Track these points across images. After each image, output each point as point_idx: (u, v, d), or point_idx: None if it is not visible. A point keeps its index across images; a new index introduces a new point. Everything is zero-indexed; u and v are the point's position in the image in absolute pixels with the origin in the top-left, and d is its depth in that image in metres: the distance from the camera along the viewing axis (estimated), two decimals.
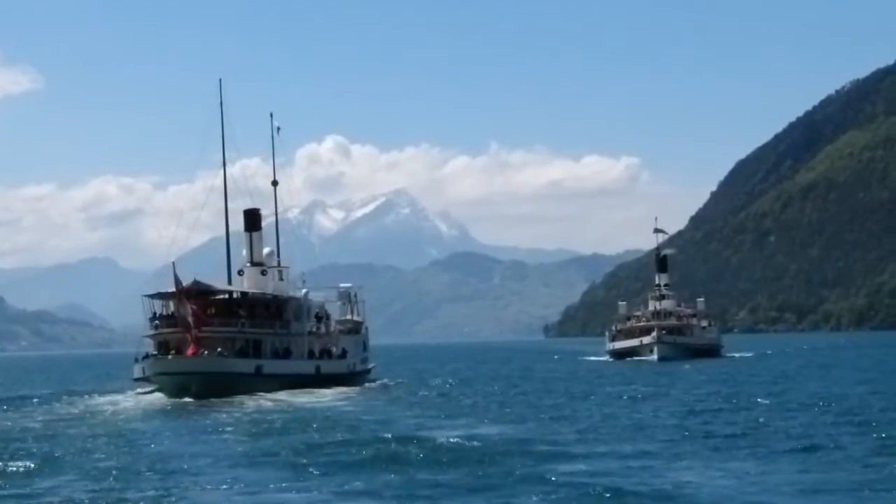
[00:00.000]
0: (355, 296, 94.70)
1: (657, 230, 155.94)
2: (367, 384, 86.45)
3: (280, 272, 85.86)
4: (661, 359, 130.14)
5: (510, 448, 39.73)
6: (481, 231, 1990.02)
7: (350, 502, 30.43)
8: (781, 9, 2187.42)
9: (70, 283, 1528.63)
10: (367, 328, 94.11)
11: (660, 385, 79.27)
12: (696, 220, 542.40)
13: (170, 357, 75.02)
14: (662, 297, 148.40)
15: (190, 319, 73.89)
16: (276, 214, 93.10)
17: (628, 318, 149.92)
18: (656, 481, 31.50)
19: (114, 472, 36.47)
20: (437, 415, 56.32)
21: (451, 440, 42.24)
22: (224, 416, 59.25)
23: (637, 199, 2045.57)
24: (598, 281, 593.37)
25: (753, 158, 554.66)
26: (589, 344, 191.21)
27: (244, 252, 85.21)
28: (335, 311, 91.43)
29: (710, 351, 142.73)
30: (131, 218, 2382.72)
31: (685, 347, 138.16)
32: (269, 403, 66.39)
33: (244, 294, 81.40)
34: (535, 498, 29.59)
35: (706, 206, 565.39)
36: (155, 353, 77.73)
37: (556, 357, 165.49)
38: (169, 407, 67.68)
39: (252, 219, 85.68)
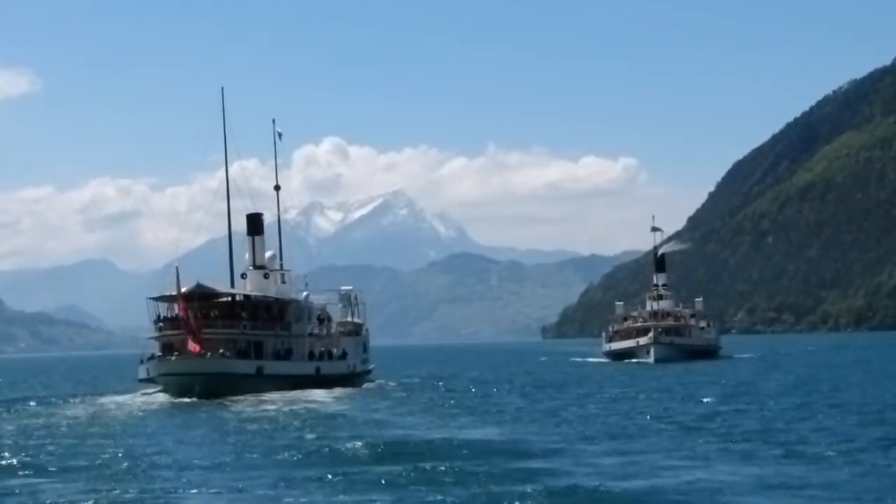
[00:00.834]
0: (356, 298, 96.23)
1: (654, 228, 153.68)
2: (366, 385, 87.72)
3: (282, 275, 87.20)
4: (657, 360, 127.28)
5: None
6: (479, 232, 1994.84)
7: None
8: (778, 10, 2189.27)
9: (68, 284, 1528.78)
10: (367, 330, 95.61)
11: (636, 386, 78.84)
12: (694, 221, 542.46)
13: (173, 358, 76.39)
14: (660, 298, 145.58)
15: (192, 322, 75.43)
16: (279, 219, 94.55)
17: (625, 319, 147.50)
18: None
19: (106, 471, 36.86)
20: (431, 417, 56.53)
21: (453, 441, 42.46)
22: (223, 415, 60.28)
23: (635, 200, 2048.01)
24: (595, 282, 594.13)
25: (751, 159, 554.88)
26: (586, 345, 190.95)
27: (247, 255, 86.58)
28: (336, 313, 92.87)
29: (709, 352, 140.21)
30: (129, 220, 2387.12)
31: (683, 348, 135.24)
32: (267, 404, 67.07)
33: (247, 297, 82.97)
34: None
35: (704, 206, 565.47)
36: (160, 354, 79.28)
37: (542, 359, 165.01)
38: (169, 407, 68.69)
39: (254, 223, 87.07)
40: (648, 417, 52.46)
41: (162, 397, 75.40)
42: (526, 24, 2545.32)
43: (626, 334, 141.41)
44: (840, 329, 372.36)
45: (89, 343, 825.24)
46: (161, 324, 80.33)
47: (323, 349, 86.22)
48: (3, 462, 40.21)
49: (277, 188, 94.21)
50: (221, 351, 76.66)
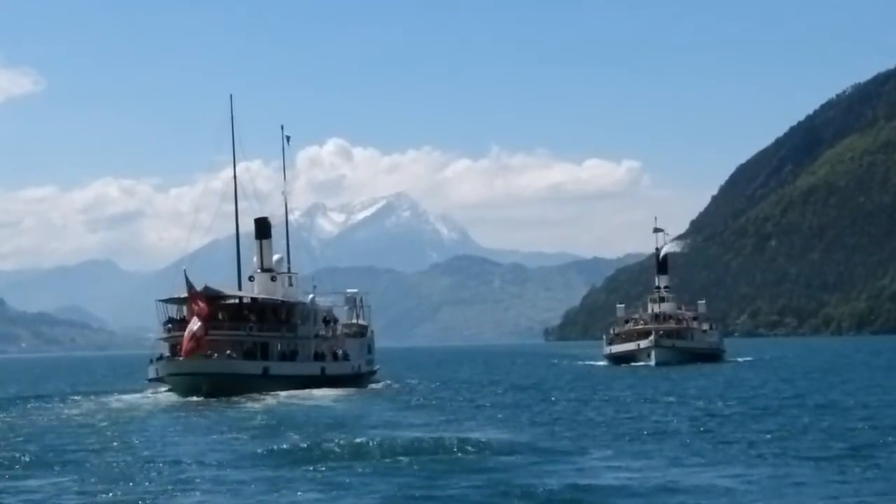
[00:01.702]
0: (361, 301, 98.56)
1: (657, 230, 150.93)
2: (371, 385, 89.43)
3: (289, 278, 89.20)
4: (658, 363, 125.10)
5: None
6: (482, 234, 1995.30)
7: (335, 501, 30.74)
8: (782, 13, 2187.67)
9: (70, 285, 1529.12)
10: (372, 332, 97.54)
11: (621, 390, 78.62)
12: (697, 224, 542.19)
13: (181, 359, 77.61)
14: (662, 300, 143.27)
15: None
16: (287, 223, 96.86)
17: (626, 321, 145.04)
18: None
19: (108, 470, 37.33)
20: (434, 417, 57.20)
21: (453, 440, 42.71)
22: (224, 414, 61.34)
23: (638, 203, 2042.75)
24: (598, 284, 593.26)
25: (754, 162, 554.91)
26: (589, 348, 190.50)
27: (255, 259, 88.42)
28: (342, 315, 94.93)
29: (712, 356, 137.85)
30: (131, 220, 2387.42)
31: (684, 352, 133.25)
32: (271, 403, 68.74)
33: (254, 299, 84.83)
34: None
35: (707, 210, 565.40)
36: (168, 355, 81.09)
37: (518, 361, 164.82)
38: (174, 406, 69.80)
39: (262, 227, 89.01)
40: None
41: (168, 396, 76.99)
42: (530, 26, 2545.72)
43: (627, 337, 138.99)
44: (842, 333, 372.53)
45: (91, 343, 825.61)
46: (170, 325, 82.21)
47: (328, 350, 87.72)
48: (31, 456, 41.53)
49: (285, 193, 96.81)
50: (228, 352, 78.64)
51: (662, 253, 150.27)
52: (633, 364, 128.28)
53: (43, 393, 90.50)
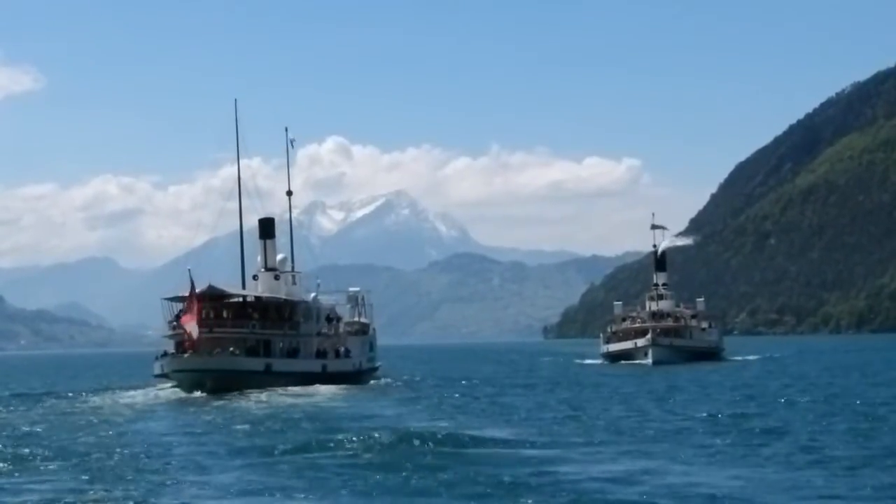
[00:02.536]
0: (363, 299, 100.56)
1: (655, 226, 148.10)
2: (372, 382, 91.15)
3: (293, 277, 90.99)
4: (655, 362, 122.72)
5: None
6: (481, 232, 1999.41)
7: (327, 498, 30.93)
8: (782, 12, 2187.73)
9: (69, 282, 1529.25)
10: (374, 329, 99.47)
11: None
12: (696, 223, 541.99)
13: (185, 356, 79.37)
14: (660, 297, 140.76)
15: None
16: (291, 223, 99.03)
17: (623, 319, 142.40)
18: None
19: (102, 467, 37.69)
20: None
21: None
22: (221, 411, 62.37)
23: (638, 201, 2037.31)
24: (597, 283, 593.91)
25: (753, 161, 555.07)
26: (588, 346, 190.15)
27: (259, 258, 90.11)
28: (344, 313, 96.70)
29: (711, 354, 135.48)
30: (131, 217, 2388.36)
31: (683, 350, 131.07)
32: (275, 399, 70.10)
33: (257, 298, 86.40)
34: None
35: (706, 208, 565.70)
36: (173, 352, 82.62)
37: (512, 358, 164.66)
38: (175, 402, 71.60)
39: (266, 227, 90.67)
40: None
41: (172, 392, 78.55)
42: (530, 24, 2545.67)
43: (625, 335, 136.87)
44: (841, 331, 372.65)
45: (90, 341, 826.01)
46: (175, 323, 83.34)
47: (330, 347, 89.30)
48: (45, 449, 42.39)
49: (290, 193, 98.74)
50: (231, 349, 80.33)
51: (661, 249, 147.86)
52: (630, 363, 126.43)
53: (54, 390, 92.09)
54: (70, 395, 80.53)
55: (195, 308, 77.92)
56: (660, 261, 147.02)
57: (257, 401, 68.77)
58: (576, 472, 33.74)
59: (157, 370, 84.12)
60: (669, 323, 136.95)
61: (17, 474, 36.12)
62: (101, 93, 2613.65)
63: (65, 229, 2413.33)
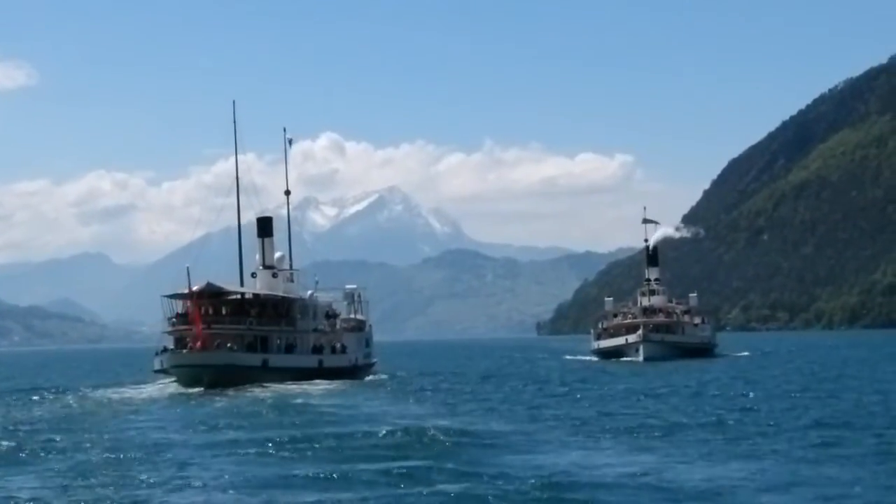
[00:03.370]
0: (359, 296, 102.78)
1: (646, 220, 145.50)
2: (368, 377, 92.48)
3: (290, 275, 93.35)
4: (647, 359, 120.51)
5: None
6: (474, 228, 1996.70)
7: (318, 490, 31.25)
8: (774, 8, 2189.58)
9: (62, 278, 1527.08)
10: (370, 326, 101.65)
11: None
12: (689, 219, 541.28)
13: (184, 351, 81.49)
14: (652, 293, 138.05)
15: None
16: (289, 222, 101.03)
17: (615, 315, 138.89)
18: None
19: (99, 460, 38.37)
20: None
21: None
22: (217, 405, 63.59)
23: (631, 197, 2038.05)
24: (590, 278, 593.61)
25: (746, 157, 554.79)
26: (581, 342, 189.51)
27: (257, 256, 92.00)
28: (341, 310, 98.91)
29: (703, 350, 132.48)
30: (124, 213, 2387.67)
31: (674, 346, 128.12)
32: (267, 393, 71.76)
33: (255, 295, 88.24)
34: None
35: (699, 204, 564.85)
36: (172, 347, 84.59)
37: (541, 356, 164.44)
38: (177, 396, 73.39)
39: (265, 225, 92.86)
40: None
41: (171, 387, 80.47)
42: (523, 20, 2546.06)
43: (616, 331, 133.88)
44: (834, 327, 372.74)
45: (83, 337, 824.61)
46: (174, 319, 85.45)
47: (327, 344, 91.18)
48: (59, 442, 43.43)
49: (288, 193, 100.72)
50: (229, 345, 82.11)
51: (653, 241, 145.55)
52: (621, 359, 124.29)
53: (60, 384, 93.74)
54: (79, 390, 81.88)
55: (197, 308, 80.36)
56: (652, 256, 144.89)
57: (252, 395, 70.04)
58: (560, 466, 34.01)
59: (157, 365, 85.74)
60: (661, 319, 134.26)
61: (8, 470, 36.37)
62: (95, 88, 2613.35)
63: (58, 225, 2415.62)
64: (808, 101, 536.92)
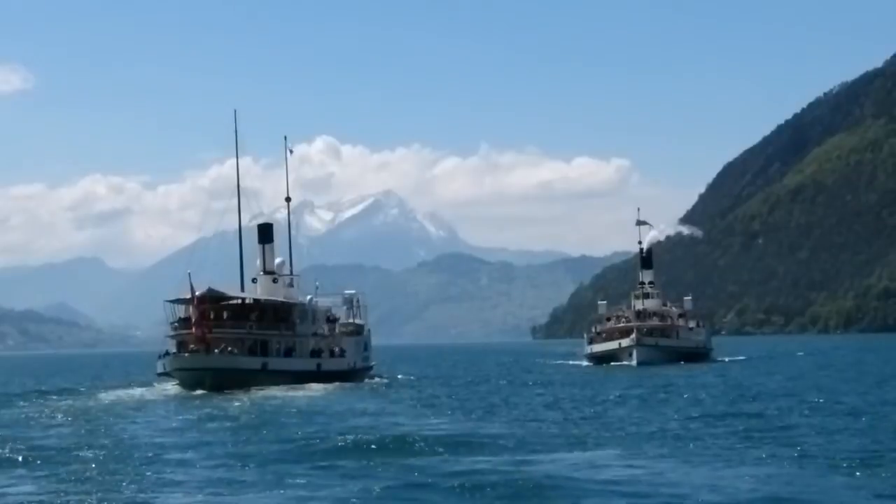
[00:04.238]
0: (357, 301, 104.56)
1: (640, 222, 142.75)
2: (367, 380, 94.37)
3: (290, 280, 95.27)
4: (640, 363, 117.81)
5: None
6: (470, 232, 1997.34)
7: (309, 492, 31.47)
8: (770, 12, 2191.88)
9: (58, 282, 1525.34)
10: (369, 330, 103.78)
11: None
12: (684, 222, 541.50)
13: (186, 355, 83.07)
14: (646, 296, 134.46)
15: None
16: (290, 228, 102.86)
17: (608, 319, 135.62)
18: None
19: (85, 466, 38.24)
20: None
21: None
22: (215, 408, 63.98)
23: (627, 202, 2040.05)
24: (586, 283, 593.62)
25: (742, 161, 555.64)
26: (578, 346, 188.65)
27: (258, 261, 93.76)
28: (340, 314, 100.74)
29: (698, 355, 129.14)
30: (119, 217, 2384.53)
31: (669, 351, 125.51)
32: (265, 396, 72.86)
33: (256, 300, 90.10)
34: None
35: (694, 208, 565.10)
36: (174, 351, 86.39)
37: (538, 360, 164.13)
38: (179, 398, 74.94)
39: (265, 232, 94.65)
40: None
41: (174, 389, 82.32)
42: (520, 24, 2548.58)
43: (609, 335, 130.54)
44: (829, 331, 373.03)
45: (78, 341, 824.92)
46: (176, 324, 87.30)
47: (326, 347, 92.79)
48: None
49: (288, 200, 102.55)
50: (230, 348, 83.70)
51: (646, 243, 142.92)
52: (614, 364, 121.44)
53: (66, 387, 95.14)
54: (81, 391, 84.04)
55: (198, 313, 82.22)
56: (645, 258, 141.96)
57: (249, 398, 71.15)
58: (562, 474, 33.65)
59: (159, 368, 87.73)
60: (655, 322, 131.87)
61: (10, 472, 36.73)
62: (90, 92, 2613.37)
63: (53, 229, 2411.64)
64: (804, 104, 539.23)
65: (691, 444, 40.36)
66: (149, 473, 34.94)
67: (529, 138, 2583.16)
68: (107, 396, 76.19)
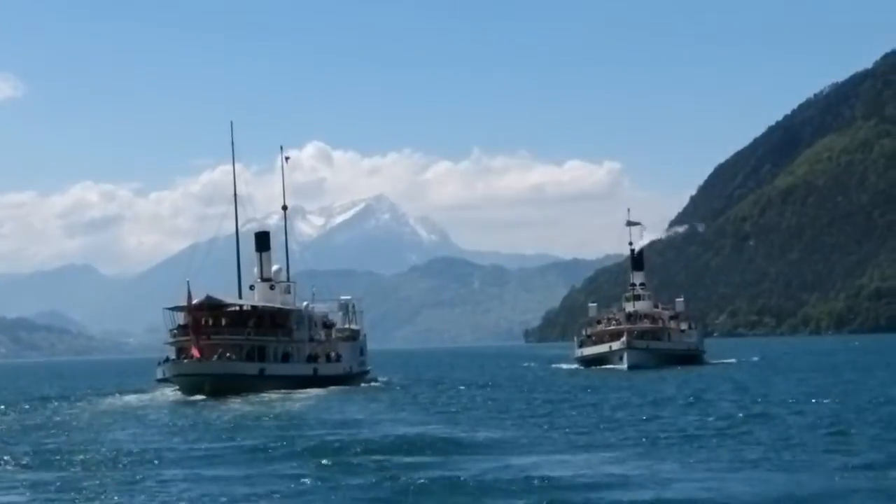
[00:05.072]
0: (353, 307, 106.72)
1: (630, 223, 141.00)
2: (362, 384, 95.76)
3: (287, 287, 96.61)
4: (631, 367, 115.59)
5: None
6: (461, 236, 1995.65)
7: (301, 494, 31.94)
8: (760, 13, 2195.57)
9: (50, 289, 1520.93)
10: (364, 335, 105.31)
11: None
12: (676, 225, 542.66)
13: (186, 361, 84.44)
14: (637, 298, 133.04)
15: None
16: (286, 236, 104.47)
17: (599, 322, 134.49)
18: None
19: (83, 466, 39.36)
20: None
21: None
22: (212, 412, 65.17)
23: (619, 205, 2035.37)
24: (578, 286, 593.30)
25: (733, 163, 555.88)
26: (570, 349, 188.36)
27: (255, 269, 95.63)
28: (337, 320, 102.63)
29: (690, 357, 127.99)
30: (111, 224, 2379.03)
31: (660, 354, 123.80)
32: (262, 401, 73.90)
33: (253, 307, 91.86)
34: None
35: (686, 210, 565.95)
36: (174, 357, 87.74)
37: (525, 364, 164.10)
38: (177, 404, 76.05)
39: (262, 240, 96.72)
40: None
41: (173, 394, 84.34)
42: (511, 29, 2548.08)
43: (599, 338, 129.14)
44: (821, 332, 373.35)
45: (71, 349, 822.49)
46: (175, 331, 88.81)
47: (322, 352, 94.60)
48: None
49: (285, 208, 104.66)
50: (228, 354, 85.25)
51: (639, 246, 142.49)
52: (604, 367, 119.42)
53: (66, 393, 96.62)
54: (83, 397, 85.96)
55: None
56: (637, 260, 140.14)
57: (246, 403, 72.26)
58: (554, 474, 33.97)
59: (159, 375, 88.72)
60: (646, 325, 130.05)
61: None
62: (81, 100, 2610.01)
63: (45, 236, 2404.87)
64: (794, 106, 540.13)
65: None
66: (139, 478, 35.17)
67: (521, 142, 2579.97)
68: (100, 403, 76.83)
